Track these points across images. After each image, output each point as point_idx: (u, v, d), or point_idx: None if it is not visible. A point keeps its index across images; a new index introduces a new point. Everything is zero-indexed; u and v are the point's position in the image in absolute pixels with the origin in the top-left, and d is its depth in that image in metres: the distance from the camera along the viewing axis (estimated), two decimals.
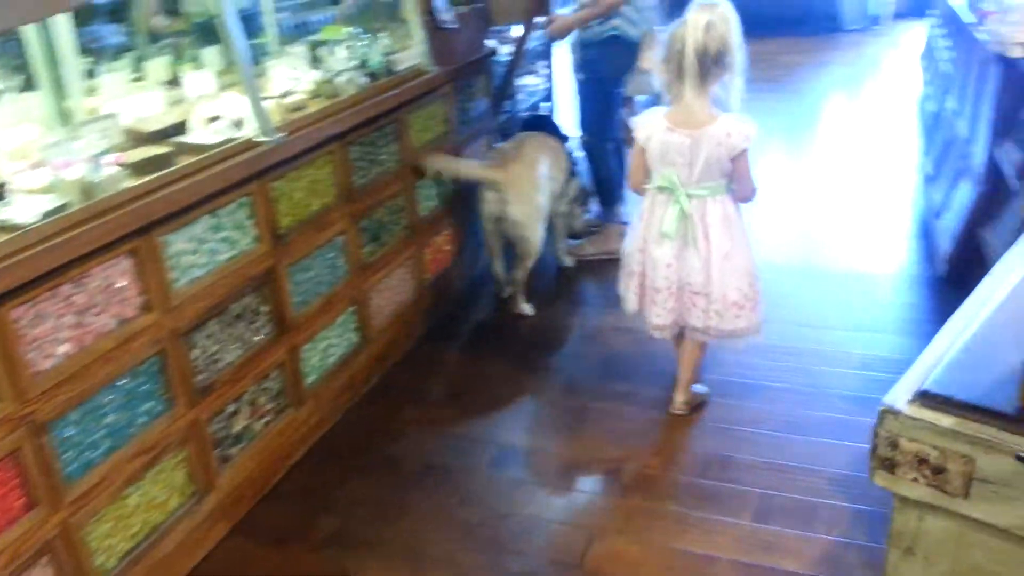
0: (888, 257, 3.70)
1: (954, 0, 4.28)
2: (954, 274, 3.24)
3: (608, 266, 3.80)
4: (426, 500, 2.43)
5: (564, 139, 3.84)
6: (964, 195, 3.33)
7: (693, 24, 2.30)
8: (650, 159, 2.48)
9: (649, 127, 2.45)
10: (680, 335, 2.66)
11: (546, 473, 2.55)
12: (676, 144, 2.40)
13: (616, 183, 3.96)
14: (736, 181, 2.46)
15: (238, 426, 2.40)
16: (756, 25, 10.40)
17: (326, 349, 2.77)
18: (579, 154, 3.99)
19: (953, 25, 4.47)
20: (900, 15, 9.72)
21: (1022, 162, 2.62)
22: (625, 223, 3.85)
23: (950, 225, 3.38)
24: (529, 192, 3.32)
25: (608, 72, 3.77)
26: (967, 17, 3.66)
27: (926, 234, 3.82)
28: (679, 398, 2.71)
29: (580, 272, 3.85)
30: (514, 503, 2.40)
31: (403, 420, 2.81)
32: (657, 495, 2.39)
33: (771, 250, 3.68)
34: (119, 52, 3.21)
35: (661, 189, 2.48)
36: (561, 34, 3.85)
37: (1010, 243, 2.64)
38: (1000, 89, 2.93)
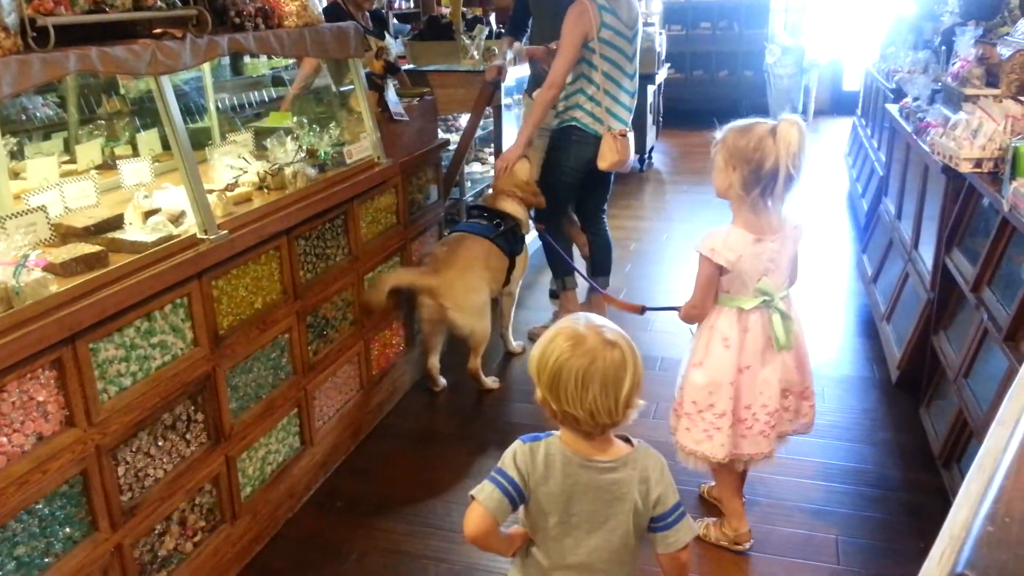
0: (836, 358, 3.70)
1: (890, 106, 4.43)
2: (906, 380, 3.25)
3: None
4: None
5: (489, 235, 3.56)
6: (912, 301, 3.37)
7: (785, 139, 2.07)
8: (737, 278, 2.22)
9: (735, 247, 2.18)
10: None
11: None
12: (769, 253, 2.20)
13: (566, 257, 3.96)
14: (793, 269, 2.33)
15: (166, 548, 2.17)
16: (688, 119, 10.85)
17: (265, 457, 2.57)
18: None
19: (890, 131, 4.63)
20: (822, 112, 10.19)
21: (974, 274, 2.64)
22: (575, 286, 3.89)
23: (899, 331, 3.41)
24: (465, 295, 3.29)
25: (562, 161, 3.79)
26: (907, 125, 3.78)
27: (872, 335, 3.85)
28: (745, 527, 2.48)
29: None
30: None
31: (347, 533, 2.61)
32: None
33: None
34: (48, 131, 3.05)
35: (757, 304, 2.24)
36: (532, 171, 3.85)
37: (966, 352, 2.65)
38: (948, 200, 2.99)
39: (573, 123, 3.72)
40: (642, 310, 2.78)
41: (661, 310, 2.65)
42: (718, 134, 2.23)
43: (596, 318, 1.55)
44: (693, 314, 2.34)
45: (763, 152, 2.09)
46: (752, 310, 2.24)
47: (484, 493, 1.56)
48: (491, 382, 3.50)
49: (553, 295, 4.29)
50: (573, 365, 1.46)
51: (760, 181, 2.12)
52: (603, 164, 3.72)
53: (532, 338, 4.02)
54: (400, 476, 2.93)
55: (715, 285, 2.26)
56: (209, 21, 2.37)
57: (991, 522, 1.04)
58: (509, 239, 3.58)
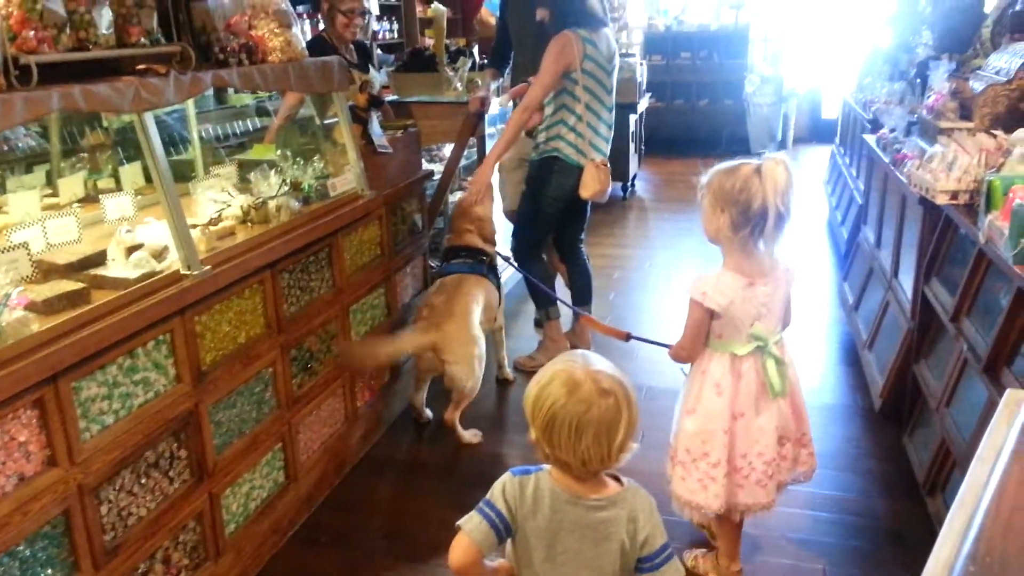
0: (819, 386, 3.72)
1: (867, 137, 4.50)
2: (889, 409, 3.27)
3: None
4: None
5: (483, 272, 3.53)
6: (893, 330, 3.40)
7: (771, 178, 2.04)
8: (729, 323, 2.18)
9: (726, 291, 2.14)
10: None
11: None
12: (761, 297, 2.16)
13: (547, 285, 4.00)
14: (786, 312, 2.30)
15: None
16: (670, 147, 10.93)
17: (249, 493, 2.55)
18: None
19: (868, 161, 4.70)
20: (801, 140, 10.34)
21: (953, 305, 2.68)
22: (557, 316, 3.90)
23: (881, 359, 3.44)
24: (466, 347, 3.20)
25: (544, 191, 3.82)
26: (884, 156, 3.84)
27: (855, 362, 3.88)
28: (737, 567, 2.45)
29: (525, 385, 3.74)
30: None
31: (333, 568, 2.59)
32: None
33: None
34: (31, 163, 3.04)
35: (751, 350, 2.19)
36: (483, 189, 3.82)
37: (947, 382, 2.68)
38: (926, 231, 3.03)
39: (555, 154, 3.76)
40: (627, 337, 2.71)
41: (648, 342, 2.61)
42: (703, 178, 2.20)
43: (594, 360, 1.55)
44: (682, 356, 2.31)
45: (749, 192, 2.07)
46: (745, 356, 2.20)
47: (471, 524, 1.57)
48: (470, 436, 3.32)
49: (538, 324, 4.30)
50: (568, 413, 1.47)
51: (749, 222, 2.09)
52: (586, 193, 3.77)
53: (518, 368, 4.02)
54: (386, 509, 2.91)
55: (705, 329, 2.22)
56: (193, 57, 2.39)
57: (972, 562, 1.05)
58: (494, 272, 3.58)
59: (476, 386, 3.26)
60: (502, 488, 1.59)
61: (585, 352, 1.59)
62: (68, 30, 2.05)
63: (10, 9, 1.91)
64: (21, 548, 1.78)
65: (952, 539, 1.12)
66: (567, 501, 1.55)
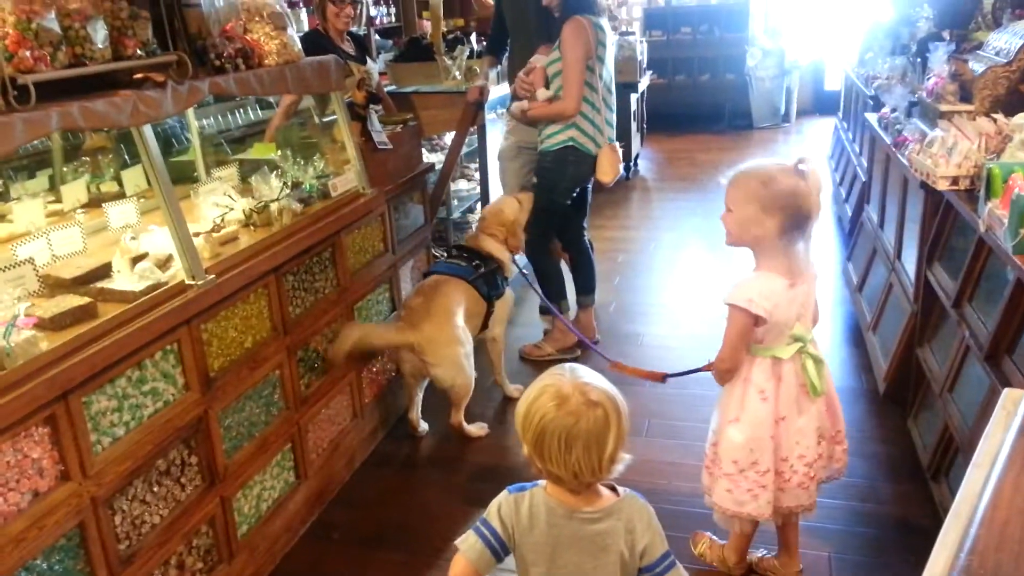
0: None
1: (870, 115, 4.48)
2: (893, 391, 3.28)
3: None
4: None
5: (468, 277, 3.34)
6: (896, 313, 3.41)
7: (815, 181, 2.05)
8: (774, 327, 2.14)
9: (771, 295, 2.10)
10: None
11: None
12: (800, 297, 2.14)
13: (558, 278, 4.02)
14: (815, 309, 2.29)
15: None
16: (672, 124, 10.85)
17: (260, 494, 2.59)
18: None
19: (869, 139, 4.68)
20: (805, 112, 10.27)
21: (955, 291, 2.68)
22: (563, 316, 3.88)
23: (885, 342, 3.45)
24: (447, 348, 3.09)
25: (558, 181, 3.81)
26: (885, 136, 3.82)
27: (859, 343, 3.89)
28: (744, 561, 2.48)
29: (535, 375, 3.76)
30: None
31: (345, 565, 2.63)
32: None
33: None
34: (33, 169, 3.05)
35: (794, 353, 2.16)
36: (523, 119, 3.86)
37: (949, 367, 2.69)
38: (928, 216, 3.03)
39: (570, 143, 3.72)
40: (664, 378, 2.53)
41: (688, 373, 2.50)
42: (724, 181, 2.16)
43: (582, 373, 1.57)
44: (726, 372, 2.23)
45: (798, 196, 2.04)
46: (788, 362, 2.17)
47: (467, 544, 1.60)
48: (476, 429, 3.32)
49: (543, 311, 4.32)
50: (556, 426, 1.49)
51: (798, 225, 2.07)
52: (606, 178, 3.79)
53: (523, 356, 4.04)
54: (396, 503, 2.95)
55: (749, 338, 2.16)
56: (190, 66, 2.39)
57: (966, 574, 1.07)
58: (489, 282, 3.39)
59: (466, 383, 3.17)
60: (498, 507, 1.61)
61: (573, 365, 1.60)
62: (64, 47, 2.06)
63: (5, 29, 1.92)
64: (38, 562, 1.82)
65: (947, 552, 1.14)
66: (562, 515, 1.57)
